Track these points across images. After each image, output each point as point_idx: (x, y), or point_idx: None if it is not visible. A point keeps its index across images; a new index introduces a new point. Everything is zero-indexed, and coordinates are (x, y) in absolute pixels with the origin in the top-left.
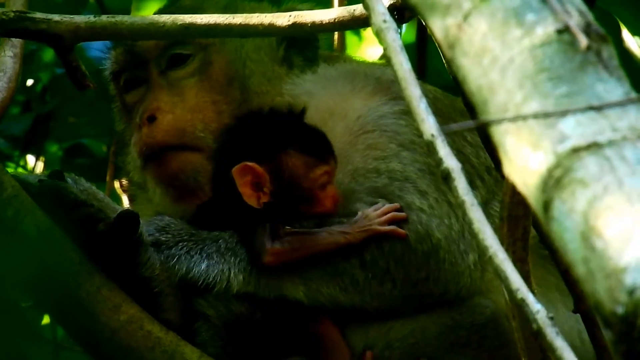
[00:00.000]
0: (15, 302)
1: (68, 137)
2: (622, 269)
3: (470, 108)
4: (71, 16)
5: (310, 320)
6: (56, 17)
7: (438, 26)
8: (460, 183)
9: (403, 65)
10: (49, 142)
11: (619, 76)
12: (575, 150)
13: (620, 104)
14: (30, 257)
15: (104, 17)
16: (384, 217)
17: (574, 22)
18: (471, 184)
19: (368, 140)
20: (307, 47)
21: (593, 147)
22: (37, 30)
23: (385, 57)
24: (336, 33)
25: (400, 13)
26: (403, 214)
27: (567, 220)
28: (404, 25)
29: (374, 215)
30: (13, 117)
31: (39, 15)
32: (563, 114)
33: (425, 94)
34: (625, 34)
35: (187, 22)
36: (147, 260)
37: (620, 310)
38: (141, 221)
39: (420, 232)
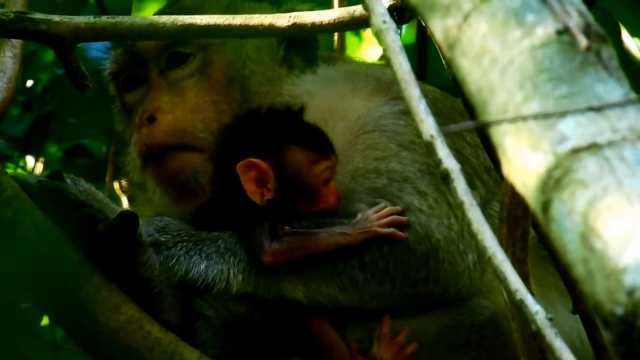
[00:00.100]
0: (14, 303)
1: (68, 138)
2: (621, 269)
3: (469, 109)
4: (71, 17)
5: (309, 321)
6: (56, 18)
7: (438, 27)
8: (460, 184)
9: (403, 66)
10: (48, 142)
11: (619, 77)
12: (575, 151)
13: (620, 105)
14: (30, 258)
15: (104, 18)
16: (384, 220)
17: (574, 22)
18: (470, 184)
19: (368, 141)
20: (307, 47)
21: (593, 147)
22: (37, 30)
23: (385, 57)
24: (336, 34)
25: (400, 14)
26: (404, 217)
27: (566, 221)
28: (404, 26)
29: (375, 217)
30: (13, 118)
31: (38, 15)
32: (563, 114)
33: (425, 94)
34: (625, 34)
35: (187, 22)
36: (146, 260)
37: (619, 310)
38: (140, 222)
39: (420, 232)
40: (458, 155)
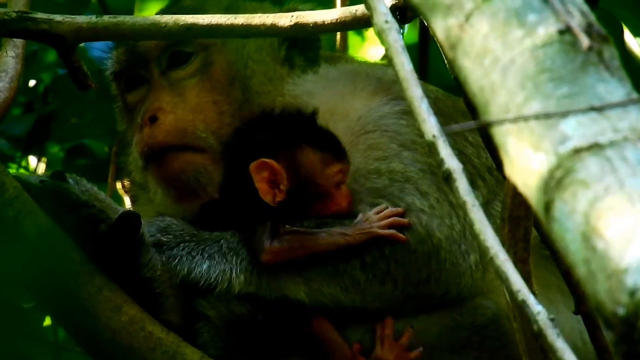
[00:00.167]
0: (16, 303)
1: (70, 138)
2: (623, 270)
3: (471, 109)
4: (73, 16)
5: (310, 321)
6: (58, 18)
7: (440, 26)
8: (462, 184)
9: (405, 66)
10: (50, 142)
11: (621, 77)
12: (577, 151)
13: (622, 105)
14: (32, 258)
15: (105, 18)
16: (385, 221)
17: (576, 22)
18: (472, 184)
19: (369, 141)
20: (308, 47)
21: (594, 147)
22: (39, 30)
23: (387, 57)
24: (338, 33)
25: (402, 13)
26: (405, 220)
27: (568, 221)
28: (406, 26)
29: (375, 218)
30: (15, 118)
31: (40, 15)
32: (564, 114)
33: (427, 94)
34: (627, 34)
35: (189, 22)
36: (148, 261)
37: (621, 311)
38: (143, 222)
39: (421, 233)
40: (460, 155)
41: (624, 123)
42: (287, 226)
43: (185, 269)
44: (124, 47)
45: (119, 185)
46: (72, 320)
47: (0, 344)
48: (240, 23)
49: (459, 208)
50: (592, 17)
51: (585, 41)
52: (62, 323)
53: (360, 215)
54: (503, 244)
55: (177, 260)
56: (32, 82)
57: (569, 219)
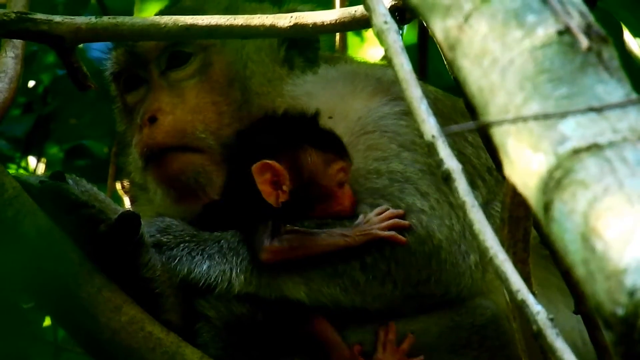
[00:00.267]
0: (16, 304)
1: (69, 139)
2: (622, 270)
3: (471, 109)
4: (72, 17)
5: (310, 322)
6: (57, 18)
7: (439, 27)
8: (461, 184)
9: (404, 66)
10: (50, 143)
11: (620, 77)
12: (576, 152)
13: (621, 105)
14: (31, 258)
15: (105, 18)
16: (385, 223)
17: (575, 23)
18: (472, 184)
19: (369, 141)
20: (308, 48)
21: (593, 148)
22: (38, 31)
23: (387, 58)
24: (338, 34)
25: (401, 14)
26: (406, 222)
27: (567, 222)
28: (405, 26)
29: (376, 219)
30: (14, 119)
31: (40, 16)
32: (563, 115)
33: (426, 94)
34: (627, 35)
35: (188, 23)
36: (148, 261)
37: (620, 311)
38: (142, 222)
39: (421, 233)
40: (460, 155)
41: (623, 124)
42: (288, 226)
43: (185, 269)
44: (123, 48)
45: (118, 185)
46: (72, 320)
47: (0, 344)
48: (240, 24)
49: (458, 208)
50: (591, 18)
51: (584, 42)
52: (61, 323)
53: (360, 217)
54: (502, 244)
55: (177, 260)
56: (31, 83)
57: (568, 219)
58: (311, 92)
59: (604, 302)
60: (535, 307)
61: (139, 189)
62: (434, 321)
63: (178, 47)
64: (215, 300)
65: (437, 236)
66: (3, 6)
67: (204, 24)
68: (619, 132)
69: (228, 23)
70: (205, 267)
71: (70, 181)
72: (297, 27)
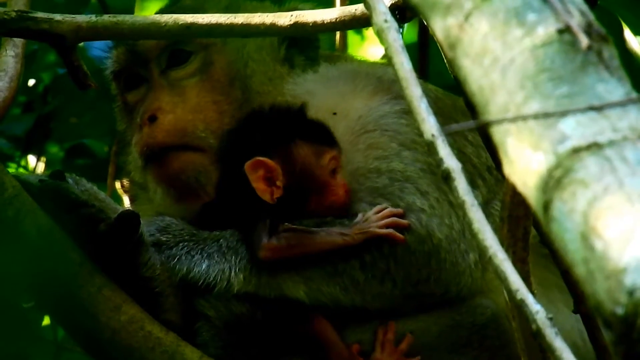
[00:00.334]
0: (16, 303)
1: (69, 137)
2: (622, 269)
3: (471, 108)
4: (73, 16)
5: (309, 321)
6: (58, 17)
7: (439, 26)
8: (461, 183)
9: (404, 65)
10: (50, 142)
11: (620, 76)
12: (576, 151)
13: (621, 104)
14: (31, 258)
15: (105, 17)
16: (384, 221)
17: (575, 22)
18: (472, 183)
19: (369, 140)
20: (308, 46)
21: (593, 147)
22: (39, 30)
23: (387, 56)
24: (338, 32)
25: (402, 13)
26: (405, 221)
27: (567, 221)
28: (405, 25)
29: (375, 218)
30: (14, 118)
31: (40, 15)
32: (563, 114)
33: (427, 93)
34: (627, 34)
35: (189, 21)
36: (147, 260)
37: (620, 311)
38: (142, 221)
39: (421, 232)
40: (459, 154)
41: (624, 123)
42: (286, 224)
43: (185, 269)
44: (124, 47)
45: (118, 185)
46: (72, 319)
47: (0, 344)
48: (240, 22)
49: (458, 207)
50: (592, 17)
51: (584, 41)
52: (61, 323)
53: (359, 215)
54: (502, 243)
55: (176, 259)
56: (31, 82)
57: (568, 218)
58: (312, 90)
59: (604, 301)
60: (535, 306)
61: (138, 188)
62: (434, 320)
63: (178, 46)
64: (214, 299)
65: (436, 235)
66: (4, 5)
67: (205, 22)
68: (619, 131)
69: (228, 22)
70: (204, 266)
71: (70, 180)
72: (297, 26)
